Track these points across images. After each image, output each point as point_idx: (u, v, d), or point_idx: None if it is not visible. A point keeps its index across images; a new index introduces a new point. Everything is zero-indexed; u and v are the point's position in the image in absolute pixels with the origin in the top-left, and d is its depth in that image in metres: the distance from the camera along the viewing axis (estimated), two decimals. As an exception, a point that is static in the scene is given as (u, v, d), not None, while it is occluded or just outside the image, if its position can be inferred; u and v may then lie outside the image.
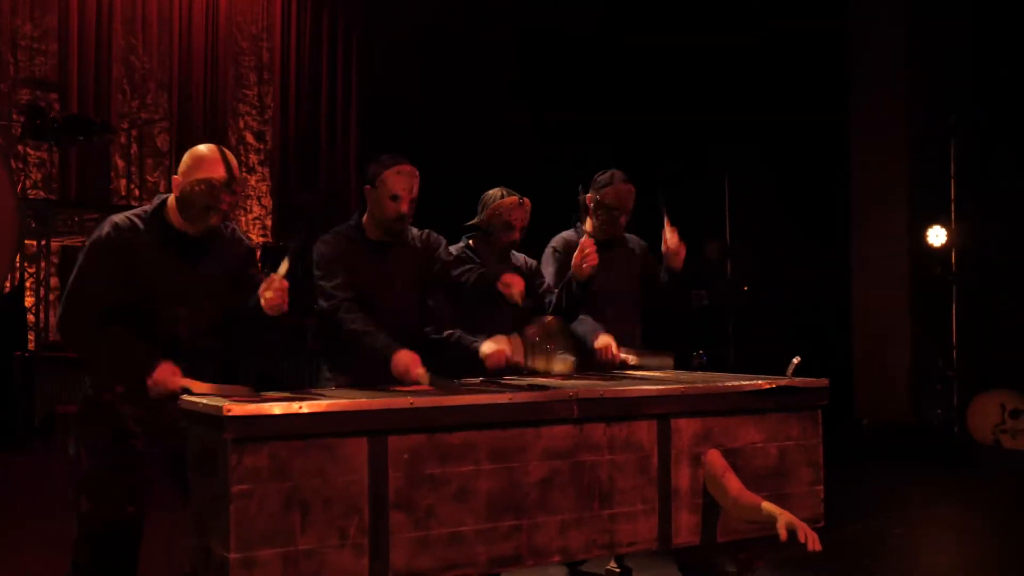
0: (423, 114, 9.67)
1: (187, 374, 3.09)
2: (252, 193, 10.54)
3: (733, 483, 3.18)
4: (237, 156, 10.24)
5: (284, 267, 3.19)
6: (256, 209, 10.60)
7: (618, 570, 4.41)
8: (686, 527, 3.20)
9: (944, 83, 8.74)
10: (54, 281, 8.54)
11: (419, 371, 3.29)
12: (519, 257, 4.32)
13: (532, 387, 3.13)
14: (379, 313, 3.56)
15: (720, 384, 3.35)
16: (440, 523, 2.80)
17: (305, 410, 2.64)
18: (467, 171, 9.09)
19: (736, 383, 3.36)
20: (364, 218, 3.77)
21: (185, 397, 2.81)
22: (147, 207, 3.25)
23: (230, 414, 2.55)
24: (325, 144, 10.75)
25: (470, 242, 4.19)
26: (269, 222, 10.56)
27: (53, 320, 7.48)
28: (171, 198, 3.22)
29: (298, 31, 10.69)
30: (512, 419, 2.91)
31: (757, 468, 3.31)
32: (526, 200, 4.17)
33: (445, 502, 2.81)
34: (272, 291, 3.14)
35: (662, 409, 3.15)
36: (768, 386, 3.34)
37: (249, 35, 10.58)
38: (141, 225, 3.17)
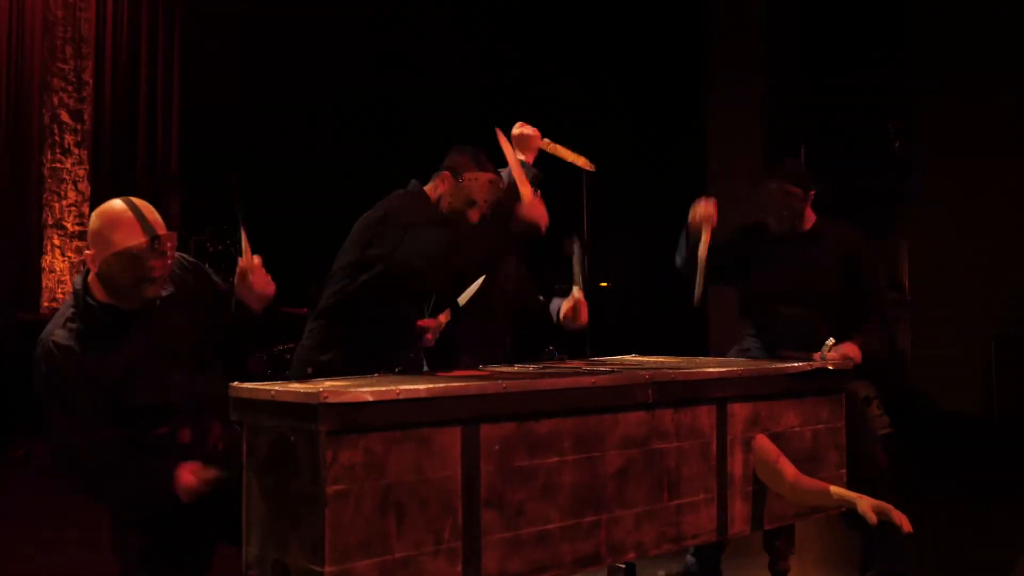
0: (249, 90, 9.05)
1: (194, 432, 2.74)
2: (67, 178, 9.52)
3: (788, 468, 3.06)
4: (51, 136, 9.41)
5: (246, 243, 2.79)
6: (72, 195, 9.57)
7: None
8: (739, 516, 3.04)
9: (797, 79, 9.01)
10: None
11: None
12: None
13: (609, 371, 2.89)
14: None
15: (768, 366, 3.23)
16: (529, 521, 2.51)
17: (404, 396, 2.28)
18: (304, 152, 8.59)
19: (779, 365, 3.25)
20: (429, 189, 3.47)
21: (247, 385, 2.36)
22: (67, 302, 2.68)
23: (326, 401, 2.16)
24: (144, 124, 9.86)
25: None
26: (87, 209, 9.53)
27: None
28: (91, 275, 2.65)
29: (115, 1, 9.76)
30: (594, 404, 2.65)
31: (795, 452, 3.20)
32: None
33: (533, 498, 2.52)
34: (253, 276, 2.76)
35: (722, 392, 2.98)
36: (810, 368, 3.25)
37: (63, 2, 9.55)
38: (74, 339, 2.60)
